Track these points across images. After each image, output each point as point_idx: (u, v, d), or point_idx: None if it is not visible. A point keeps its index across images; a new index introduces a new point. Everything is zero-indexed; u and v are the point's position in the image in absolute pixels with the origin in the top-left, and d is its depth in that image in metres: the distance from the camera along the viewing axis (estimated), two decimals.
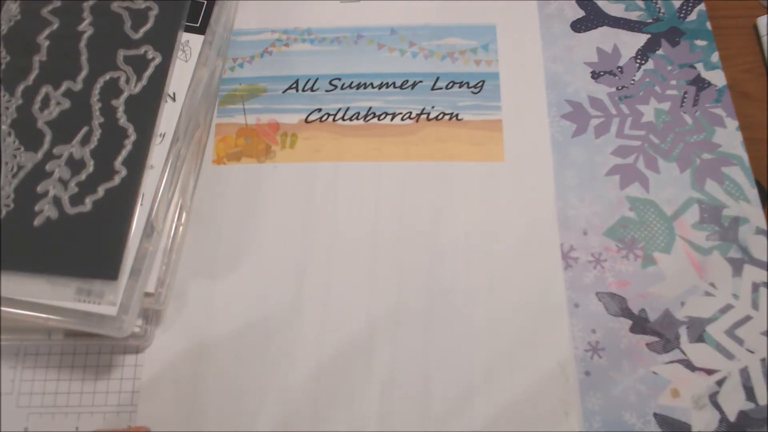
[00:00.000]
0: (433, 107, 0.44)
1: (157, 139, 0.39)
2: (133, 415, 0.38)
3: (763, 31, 0.46)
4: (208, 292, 0.40)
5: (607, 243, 0.41)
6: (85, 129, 0.38)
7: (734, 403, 0.37)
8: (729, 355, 0.38)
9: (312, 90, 0.45)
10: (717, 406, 0.37)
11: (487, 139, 0.43)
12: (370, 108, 0.45)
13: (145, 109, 0.39)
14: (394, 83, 0.45)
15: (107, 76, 0.39)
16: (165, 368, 0.39)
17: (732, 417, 0.37)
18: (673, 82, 0.45)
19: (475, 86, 0.45)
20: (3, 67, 0.39)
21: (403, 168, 0.43)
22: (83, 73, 0.39)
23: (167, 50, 0.40)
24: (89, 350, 0.39)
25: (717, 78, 0.45)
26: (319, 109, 0.45)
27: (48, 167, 0.37)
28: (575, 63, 0.46)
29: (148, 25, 0.41)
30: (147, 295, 0.37)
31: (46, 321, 0.35)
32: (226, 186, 0.43)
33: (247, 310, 0.40)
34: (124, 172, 0.37)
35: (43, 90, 0.39)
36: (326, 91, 0.45)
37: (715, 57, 0.45)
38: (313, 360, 0.38)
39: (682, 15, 0.47)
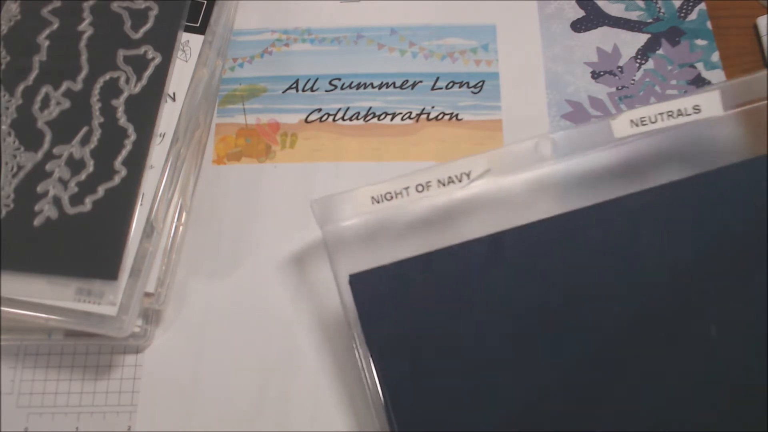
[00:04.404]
0: (433, 107, 0.44)
1: (157, 139, 0.39)
2: (133, 415, 0.38)
3: (763, 31, 0.46)
4: (208, 292, 0.40)
5: None
6: (85, 129, 0.38)
7: None
8: None
9: (312, 90, 0.45)
10: None
11: (487, 139, 0.43)
12: (370, 108, 0.45)
13: (145, 109, 0.39)
14: (394, 83, 0.45)
15: (107, 76, 0.39)
16: (165, 368, 0.39)
17: None
18: (674, 82, 0.45)
19: (475, 86, 0.45)
20: (3, 67, 0.39)
21: (403, 168, 0.43)
22: (83, 73, 0.39)
23: (167, 50, 0.40)
24: (89, 350, 0.39)
25: (717, 78, 0.45)
26: (319, 109, 0.45)
27: (48, 167, 0.37)
28: (575, 63, 0.45)
29: (148, 25, 0.41)
30: (147, 295, 0.37)
31: (46, 321, 0.35)
32: (226, 186, 0.43)
33: (247, 310, 0.40)
34: (124, 172, 0.37)
35: (43, 90, 0.39)
36: (326, 91, 0.45)
37: (715, 57, 0.45)
38: (313, 360, 0.38)
39: (682, 15, 0.47)
